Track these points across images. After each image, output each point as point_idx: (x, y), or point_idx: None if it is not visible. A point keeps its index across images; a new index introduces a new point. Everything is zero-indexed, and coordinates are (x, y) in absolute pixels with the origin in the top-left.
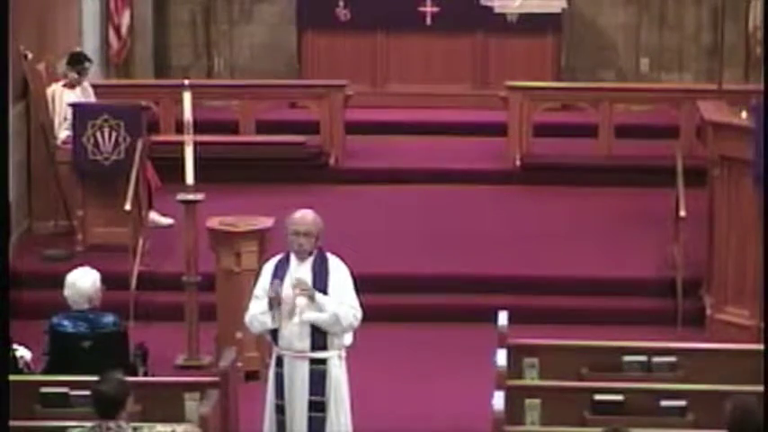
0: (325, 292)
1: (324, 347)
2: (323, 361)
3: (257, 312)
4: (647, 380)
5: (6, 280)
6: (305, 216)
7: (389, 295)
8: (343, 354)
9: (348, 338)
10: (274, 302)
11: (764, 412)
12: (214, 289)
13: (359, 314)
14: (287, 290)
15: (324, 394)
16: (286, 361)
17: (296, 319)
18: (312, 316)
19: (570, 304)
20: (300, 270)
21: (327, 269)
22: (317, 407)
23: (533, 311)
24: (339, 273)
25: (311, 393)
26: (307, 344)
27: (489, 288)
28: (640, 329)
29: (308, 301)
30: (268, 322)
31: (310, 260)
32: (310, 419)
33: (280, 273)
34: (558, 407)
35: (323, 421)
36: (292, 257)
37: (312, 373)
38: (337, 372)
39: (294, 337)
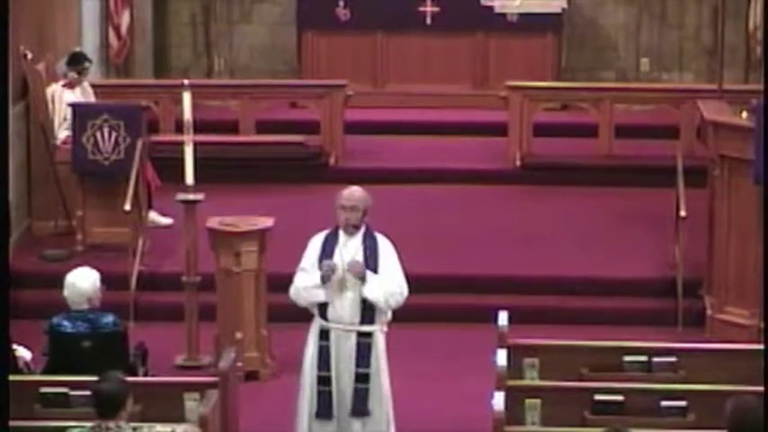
0: (375, 268)
1: (371, 321)
2: (369, 334)
3: (308, 285)
4: (648, 380)
5: (6, 280)
6: (353, 192)
7: None
8: (385, 328)
9: (389, 313)
10: (327, 278)
11: (764, 412)
12: (214, 289)
13: (405, 291)
14: (338, 262)
15: (369, 366)
16: (333, 334)
17: (349, 294)
18: (371, 294)
19: (570, 304)
20: (350, 245)
21: (377, 247)
22: (363, 378)
23: (533, 311)
24: (388, 251)
25: (357, 365)
26: (357, 317)
27: (489, 288)
28: (640, 329)
29: (358, 280)
30: (321, 296)
31: (359, 236)
32: (356, 390)
33: (329, 247)
34: (558, 407)
35: (367, 392)
36: (340, 232)
37: (359, 346)
38: (381, 345)
39: (345, 310)
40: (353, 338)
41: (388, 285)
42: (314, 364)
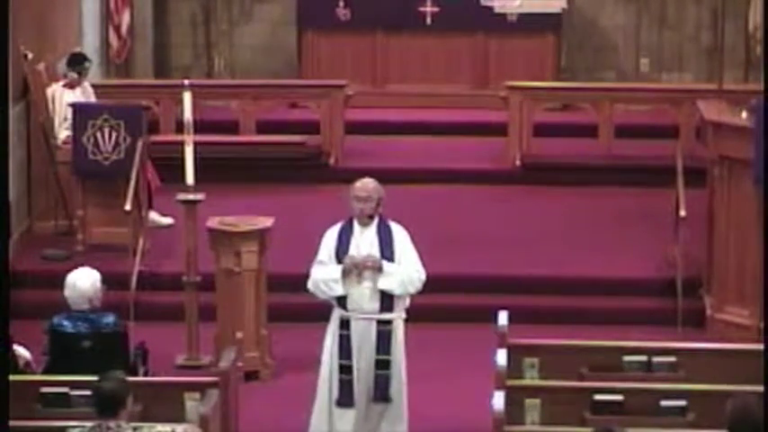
0: (391, 256)
1: (390, 309)
2: (389, 322)
3: (326, 278)
4: (647, 380)
5: (6, 280)
6: (366, 183)
7: None
8: (404, 315)
9: (408, 300)
10: (348, 272)
11: (764, 412)
12: (214, 289)
13: (423, 276)
14: (353, 253)
15: (390, 353)
16: (353, 323)
17: (366, 283)
18: (385, 284)
19: (570, 304)
20: (365, 235)
21: (391, 234)
22: (384, 365)
23: (533, 311)
24: (402, 237)
25: (378, 353)
26: (376, 306)
27: (489, 288)
28: (640, 329)
29: (376, 270)
30: (338, 290)
31: (374, 226)
32: (377, 377)
33: (344, 238)
34: (558, 407)
35: (388, 378)
36: (355, 223)
37: (379, 334)
38: (401, 333)
39: (364, 299)
40: (374, 326)
41: (405, 272)
42: (334, 353)
